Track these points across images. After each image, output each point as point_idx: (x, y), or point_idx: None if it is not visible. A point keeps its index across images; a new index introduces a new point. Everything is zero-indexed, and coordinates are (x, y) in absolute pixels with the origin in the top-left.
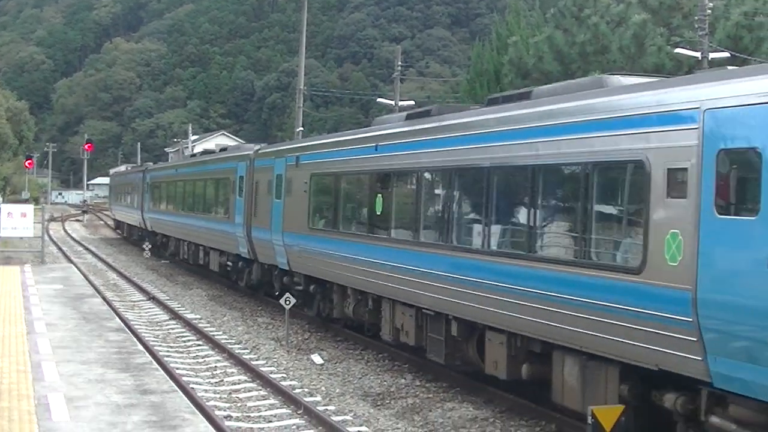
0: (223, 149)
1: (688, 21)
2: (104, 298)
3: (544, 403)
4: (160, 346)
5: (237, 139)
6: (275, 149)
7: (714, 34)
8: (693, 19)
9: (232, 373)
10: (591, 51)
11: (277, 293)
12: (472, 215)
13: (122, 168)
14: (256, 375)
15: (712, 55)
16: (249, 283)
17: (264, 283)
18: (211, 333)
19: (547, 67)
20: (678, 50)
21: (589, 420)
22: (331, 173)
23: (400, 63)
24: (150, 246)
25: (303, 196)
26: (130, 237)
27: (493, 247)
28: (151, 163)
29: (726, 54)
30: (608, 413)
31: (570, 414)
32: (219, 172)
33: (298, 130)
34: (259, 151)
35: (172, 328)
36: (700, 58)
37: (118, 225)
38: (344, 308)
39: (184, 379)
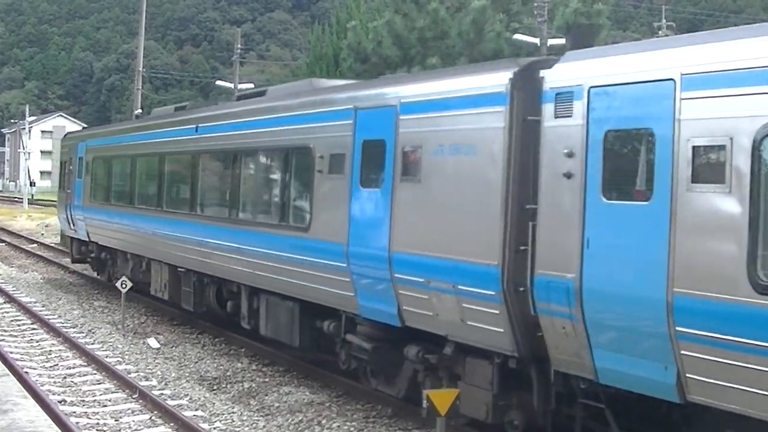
0: None
1: (527, 7)
2: None
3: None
4: None
5: (75, 120)
6: None
7: (553, 20)
8: (532, 5)
9: (67, 357)
10: (430, 36)
11: None
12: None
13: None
14: (91, 359)
15: (550, 42)
16: None
17: None
18: (47, 317)
19: (386, 52)
20: (517, 36)
21: (424, 404)
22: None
23: (240, 46)
24: None
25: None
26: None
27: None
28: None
29: (564, 40)
30: (443, 396)
31: (406, 398)
32: None
33: (136, 112)
34: None
35: (7, 312)
36: (539, 45)
37: (102, 265)
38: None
39: (18, 363)
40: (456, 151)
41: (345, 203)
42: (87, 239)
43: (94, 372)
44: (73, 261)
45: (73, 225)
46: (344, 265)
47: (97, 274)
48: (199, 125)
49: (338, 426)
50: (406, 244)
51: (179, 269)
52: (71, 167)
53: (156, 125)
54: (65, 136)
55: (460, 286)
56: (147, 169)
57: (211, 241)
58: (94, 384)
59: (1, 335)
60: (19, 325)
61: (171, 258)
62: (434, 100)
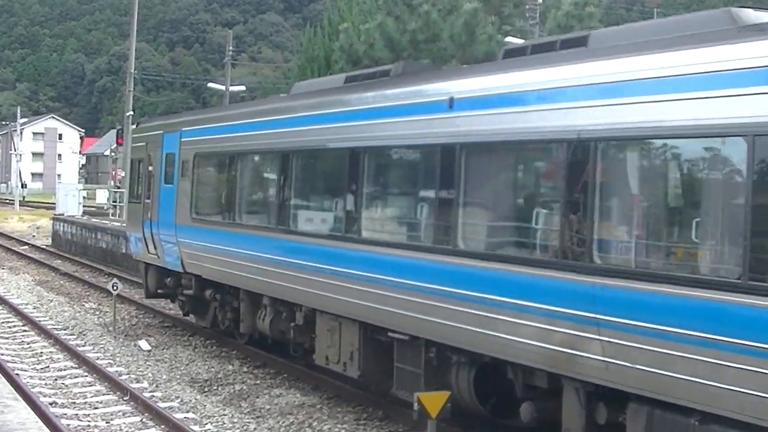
0: None
1: (519, 10)
2: None
3: (371, 390)
4: None
5: (67, 122)
6: None
7: (545, 23)
8: (524, 8)
9: (58, 359)
10: (422, 39)
11: None
12: None
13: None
14: (82, 361)
15: None
16: None
17: None
18: (37, 318)
19: (377, 54)
20: (509, 39)
21: (415, 406)
22: None
23: (231, 48)
24: None
25: None
26: None
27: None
28: None
29: None
30: (434, 399)
31: (396, 401)
32: None
33: (128, 114)
34: None
35: None
36: None
37: (202, 306)
38: None
39: (9, 365)
40: None
41: None
42: (180, 270)
43: (85, 374)
44: (149, 296)
45: (154, 248)
46: None
47: (191, 317)
48: (456, 97)
49: (329, 428)
50: None
51: (390, 333)
52: (151, 168)
53: (336, 103)
54: (138, 125)
55: None
56: (320, 173)
57: (493, 297)
58: (85, 386)
59: None
60: (10, 327)
61: (370, 314)
62: None
